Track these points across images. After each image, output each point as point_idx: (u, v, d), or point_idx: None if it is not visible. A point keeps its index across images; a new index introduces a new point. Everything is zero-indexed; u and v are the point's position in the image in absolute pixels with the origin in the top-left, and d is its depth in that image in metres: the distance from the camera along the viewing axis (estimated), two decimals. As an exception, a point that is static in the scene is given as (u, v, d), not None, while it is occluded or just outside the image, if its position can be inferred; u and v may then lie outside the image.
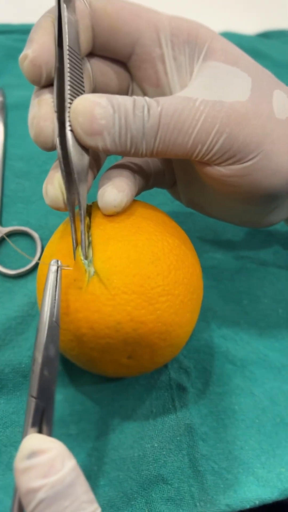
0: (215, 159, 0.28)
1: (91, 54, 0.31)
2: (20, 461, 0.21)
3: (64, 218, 0.43)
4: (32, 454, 0.21)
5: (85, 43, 0.29)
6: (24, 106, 0.53)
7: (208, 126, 0.27)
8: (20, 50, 0.60)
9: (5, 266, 0.40)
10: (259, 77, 0.30)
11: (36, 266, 0.40)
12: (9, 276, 0.39)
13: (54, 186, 0.28)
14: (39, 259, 0.40)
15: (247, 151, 0.27)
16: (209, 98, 0.27)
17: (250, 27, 0.71)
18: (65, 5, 0.28)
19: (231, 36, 0.69)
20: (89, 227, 0.29)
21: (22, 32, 0.62)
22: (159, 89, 0.32)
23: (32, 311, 0.37)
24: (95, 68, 0.31)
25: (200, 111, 0.27)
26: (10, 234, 0.42)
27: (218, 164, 0.28)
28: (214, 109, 0.27)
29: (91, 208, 0.31)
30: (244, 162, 0.28)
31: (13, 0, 0.69)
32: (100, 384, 0.34)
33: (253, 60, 0.31)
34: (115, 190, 0.29)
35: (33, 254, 0.41)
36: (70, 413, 0.33)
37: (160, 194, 0.46)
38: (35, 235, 0.42)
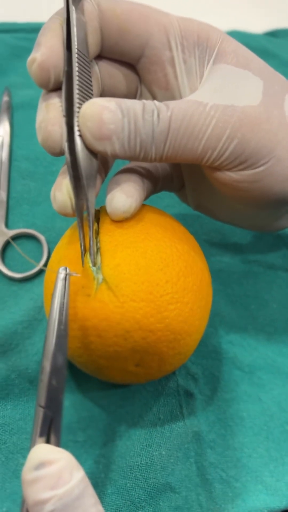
0: (225, 164, 0.27)
1: (99, 57, 0.31)
2: (27, 472, 0.21)
3: (71, 220, 0.43)
4: (40, 465, 0.21)
5: (93, 46, 0.29)
6: (29, 106, 0.53)
7: (219, 131, 0.26)
8: (25, 49, 0.61)
9: (11, 269, 0.39)
10: (271, 81, 0.29)
11: (42, 270, 0.40)
12: (15, 279, 0.39)
13: (62, 192, 0.27)
14: (46, 263, 0.40)
15: (258, 156, 0.27)
16: (220, 102, 0.27)
17: (258, 26, 0.71)
18: (73, 7, 0.27)
19: (238, 35, 0.68)
20: (97, 233, 0.29)
21: (28, 31, 0.62)
22: (168, 92, 0.31)
23: (39, 315, 0.37)
24: (104, 70, 0.31)
25: (211, 116, 0.26)
26: (16, 237, 0.42)
27: (229, 170, 0.28)
28: (225, 114, 0.26)
29: (99, 214, 0.30)
30: (255, 168, 0.27)
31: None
32: (107, 390, 0.34)
33: (265, 62, 0.30)
34: (123, 196, 0.28)
35: (39, 257, 0.41)
36: (77, 420, 0.33)
37: (167, 197, 0.45)
38: (42, 237, 0.41)
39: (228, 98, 0.27)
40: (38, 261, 0.40)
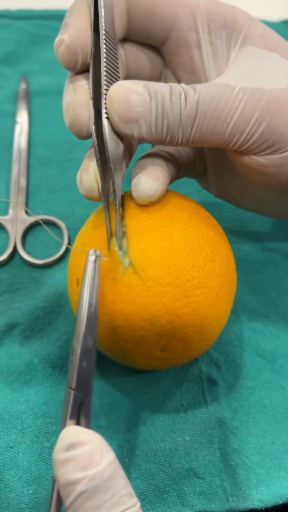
0: (253, 148, 0.27)
1: (124, 39, 0.30)
2: (59, 453, 0.21)
3: (90, 207, 0.43)
4: (71, 446, 0.21)
5: (120, 28, 0.29)
6: (46, 93, 0.53)
7: (247, 115, 0.26)
8: (42, 36, 0.60)
9: (32, 255, 0.39)
10: (299, 64, 0.29)
11: (62, 256, 0.40)
12: (36, 266, 0.39)
13: (89, 175, 0.27)
14: (66, 249, 0.40)
15: (286, 140, 0.27)
16: (248, 85, 0.26)
17: (275, 14, 0.70)
18: (101, -12, 0.27)
19: (255, 23, 0.67)
20: (122, 217, 0.29)
21: (44, 18, 0.62)
22: (194, 76, 0.31)
23: (60, 301, 0.37)
24: (129, 53, 0.31)
25: (239, 99, 0.26)
26: (37, 224, 0.42)
27: (256, 154, 0.28)
28: (253, 97, 0.26)
29: (124, 198, 0.30)
30: (283, 152, 0.27)
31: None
32: (130, 376, 0.34)
33: (293, 45, 0.30)
34: (150, 179, 0.28)
35: (59, 243, 0.41)
36: (100, 405, 0.33)
37: (187, 184, 0.45)
38: (62, 224, 0.41)
39: (256, 81, 0.27)
40: (58, 248, 0.40)
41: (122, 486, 0.21)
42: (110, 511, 0.20)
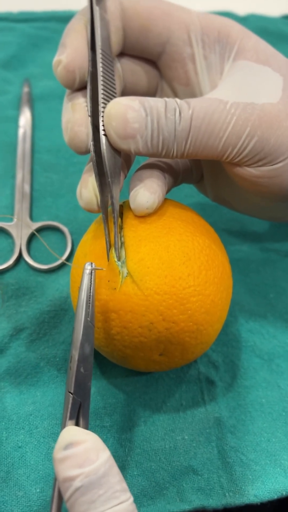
0: (245, 160, 0.28)
1: (121, 54, 0.31)
2: (58, 452, 0.23)
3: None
4: (69, 445, 0.23)
5: (116, 44, 0.30)
6: (49, 97, 0.54)
7: (239, 129, 0.27)
8: (44, 38, 0.61)
9: (36, 260, 0.41)
10: (291, 76, 0.29)
11: (66, 260, 0.41)
12: (41, 270, 0.40)
13: (88, 189, 0.28)
14: (70, 254, 0.41)
15: (277, 153, 0.27)
16: (240, 100, 0.27)
17: (275, 9, 0.70)
18: (97, 7, 0.28)
19: (256, 18, 0.68)
20: (121, 228, 0.30)
21: (45, 19, 0.62)
22: (189, 88, 0.32)
23: (65, 305, 0.39)
24: (125, 67, 0.32)
25: (231, 114, 0.27)
26: (41, 229, 0.43)
27: (248, 166, 0.28)
28: (245, 112, 0.27)
29: (122, 208, 0.31)
30: (274, 164, 0.28)
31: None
32: (131, 377, 0.36)
33: (285, 58, 0.31)
34: (147, 192, 0.29)
35: (63, 248, 0.42)
36: (103, 406, 0.34)
37: (187, 187, 0.46)
38: (65, 229, 0.42)
39: (248, 96, 0.28)
40: (63, 252, 0.42)
41: (116, 482, 0.22)
42: (104, 505, 0.21)
